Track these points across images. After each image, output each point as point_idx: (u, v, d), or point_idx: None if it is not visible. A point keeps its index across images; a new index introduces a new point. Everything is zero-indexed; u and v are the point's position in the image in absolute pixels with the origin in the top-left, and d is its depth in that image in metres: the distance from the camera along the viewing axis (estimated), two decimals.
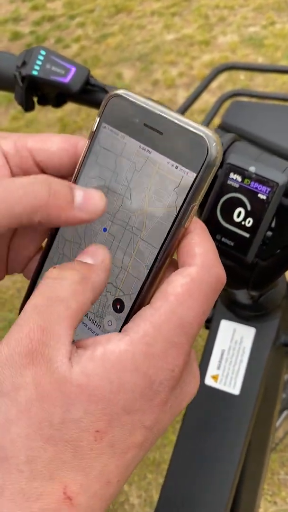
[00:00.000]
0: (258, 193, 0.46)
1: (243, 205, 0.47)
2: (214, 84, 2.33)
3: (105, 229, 0.29)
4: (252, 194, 0.46)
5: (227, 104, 1.05)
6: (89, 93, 0.56)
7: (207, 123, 0.99)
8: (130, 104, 0.27)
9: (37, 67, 0.52)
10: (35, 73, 0.52)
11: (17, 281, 1.97)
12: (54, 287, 0.24)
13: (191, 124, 0.26)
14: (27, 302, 0.24)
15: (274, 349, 0.66)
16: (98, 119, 0.28)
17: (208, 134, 0.25)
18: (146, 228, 0.27)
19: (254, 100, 1.12)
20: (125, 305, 0.28)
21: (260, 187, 0.46)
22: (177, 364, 0.24)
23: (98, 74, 2.92)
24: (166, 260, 0.26)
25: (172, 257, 0.27)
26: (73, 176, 0.29)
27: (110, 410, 0.23)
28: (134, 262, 0.27)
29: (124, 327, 0.25)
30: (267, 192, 0.46)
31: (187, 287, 0.24)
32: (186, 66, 2.78)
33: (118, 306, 0.28)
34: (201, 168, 0.25)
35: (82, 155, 0.29)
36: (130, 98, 0.27)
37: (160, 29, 3.15)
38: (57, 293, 0.24)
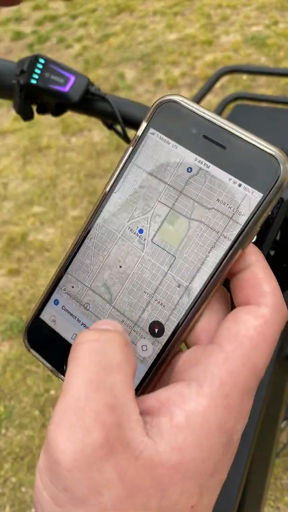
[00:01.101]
0: None
1: None
2: (216, 84, 2.33)
3: (142, 247, 0.26)
4: None
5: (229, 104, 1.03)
6: (89, 102, 0.54)
7: None
8: (187, 112, 0.25)
9: (35, 76, 0.50)
10: (33, 82, 0.51)
11: (19, 283, 1.96)
12: (104, 352, 0.21)
13: (261, 141, 0.24)
14: (71, 370, 0.21)
15: (278, 362, 0.64)
16: (146, 124, 0.26)
17: (279, 154, 0.23)
18: (195, 246, 0.25)
19: (256, 103, 1.10)
20: (165, 329, 0.25)
21: None
22: (248, 410, 0.22)
23: (100, 74, 2.91)
24: (217, 284, 0.24)
25: (226, 295, 0.25)
26: (111, 180, 0.27)
27: (202, 480, 0.20)
28: (179, 282, 0.25)
29: (192, 372, 0.22)
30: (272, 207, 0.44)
31: (261, 330, 0.22)
32: (188, 66, 2.76)
33: (156, 330, 0.26)
34: (271, 189, 0.23)
35: (123, 159, 0.27)
36: (188, 106, 0.25)
37: (162, 28, 3.13)
38: (109, 359, 0.21)
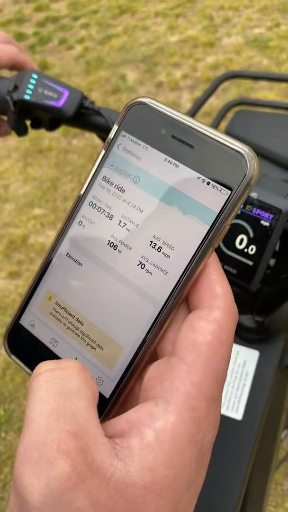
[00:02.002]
0: (260, 219, 0.45)
1: (245, 232, 0.45)
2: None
3: (114, 246, 0.26)
4: (254, 221, 0.45)
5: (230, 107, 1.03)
6: (83, 116, 0.54)
7: None
8: (155, 113, 0.26)
9: (29, 91, 0.50)
10: (27, 97, 0.50)
11: (19, 286, 1.96)
12: (62, 379, 0.21)
13: (228, 139, 0.24)
14: (30, 404, 0.20)
15: (278, 372, 0.64)
16: (117, 126, 0.26)
17: (247, 151, 0.23)
18: (166, 247, 0.25)
19: (258, 108, 1.10)
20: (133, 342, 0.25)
21: (262, 214, 0.44)
22: (217, 418, 0.22)
23: (102, 75, 2.91)
24: (187, 287, 0.24)
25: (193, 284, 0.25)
26: (85, 183, 0.27)
27: (177, 496, 0.20)
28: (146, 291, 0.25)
29: (158, 390, 0.22)
30: (270, 219, 0.44)
31: (217, 334, 0.22)
32: (190, 68, 2.76)
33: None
34: (239, 186, 0.23)
35: (95, 162, 0.27)
36: (156, 107, 0.26)
37: (164, 30, 3.13)
38: (68, 386, 0.20)
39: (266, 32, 2.85)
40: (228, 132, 1.03)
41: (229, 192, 0.24)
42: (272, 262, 0.49)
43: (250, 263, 0.45)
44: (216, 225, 0.24)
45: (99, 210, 0.27)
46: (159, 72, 2.81)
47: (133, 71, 2.89)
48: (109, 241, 0.26)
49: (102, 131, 0.55)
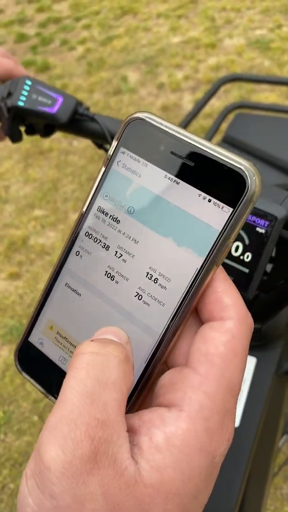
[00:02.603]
0: (256, 227, 0.44)
1: (241, 239, 0.45)
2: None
3: (112, 277, 0.26)
4: (250, 228, 0.44)
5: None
6: (78, 122, 0.53)
7: (211, 135, 0.97)
8: (154, 129, 0.25)
9: (23, 98, 0.50)
10: (21, 104, 0.50)
11: (19, 287, 1.96)
12: (102, 367, 0.21)
13: (228, 155, 0.23)
14: (69, 381, 0.21)
15: (275, 378, 0.64)
16: (116, 143, 0.26)
17: (247, 167, 0.23)
18: (169, 267, 0.24)
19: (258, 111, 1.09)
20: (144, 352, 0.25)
21: (258, 221, 0.44)
22: (231, 430, 0.22)
23: (103, 76, 2.90)
24: (193, 303, 0.24)
25: (197, 302, 0.24)
26: (87, 201, 0.27)
27: (183, 502, 0.21)
28: (155, 302, 0.25)
29: (171, 398, 0.22)
30: (265, 226, 0.44)
31: (230, 345, 0.22)
32: (191, 69, 2.75)
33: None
34: (240, 203, 0.23)
35: (96, 179, 0.26)
36: (154, 123, 0.25)
37: (166, 31, 3.12)
38: (107, 375, 0.21)
39: (268, 33, 2.84)
40: (228, 135, 1.02)
41: (231, 209, 0.23)
42: (269, 267, 0.49)
43: (246, 270, 0.45)
44: (219, 244, 0.23)
45: (95, 240, 0.26)
46: (160, 73, 2.81)
47: (135, 72, 2.89)
48: (106, 271, 0.26)
49: (97, 137, 0.54)
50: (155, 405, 0.23)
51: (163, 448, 0.20)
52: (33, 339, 0.28)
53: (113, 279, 0.26)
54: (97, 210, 0.26)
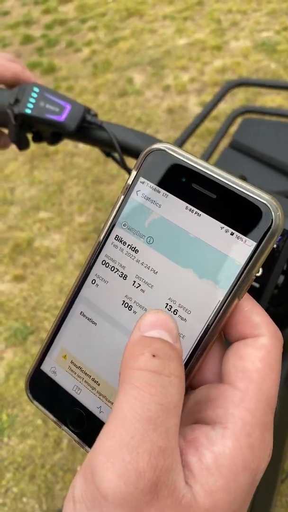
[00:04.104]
0: None
1: None
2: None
3: (129, 307, 0.25)
4: None
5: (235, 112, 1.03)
6: (85, 130, 0.53)
7: (218, 139, 0.96)
8: (175, 160, 0.25)
9: (30, 105, 0.49)
10: (28, 111, 0.50)
11: (24, 289, 1.95)
12: (166, 391, 0.20)
13: (250, 189, 0.23)
14: (129, 401, 0.20)
15: (284, 389, 0.63)
16: (135, 172, 0.26)
17: (271, 201, 0.23)
18: (190, 299, 0.24)
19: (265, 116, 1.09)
20: None
21: None
22: (271, 446, 0.22)
23: (109, 78, 2.90)
24: (215, 334, 0.24)
25: (221, 331, 0.24)
26: (104, 229, 0.26)
27: None
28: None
29: (212, 415, 0.22)
30: (277, 240, 0.43)
31: (266, 361, 0.22)
32: (197, 71, 2.75)
33: None
34: (263, 237, 0.23)
35: (114, 208, 0.26)
36: (175, 154, 0.25)
37: (171, 33, 3.12)
38: (169, 399, 0.20)
39: (274, 36, 2.83)
40: (235, 141, 1.02)
41: (254, 243, 0.23)
42: (280, 280, 0.48)
43: (257, 285, 0.44)
44: (241, 278, 0.23)
45: (112, 269, 0.26)
46: (166, 75, 2.80)
47: (140, 74, 2.89)
48: (124, 301, 0.26)
49: (105, 145, 0.54)
50: (192, 422, 0.23)
51: (213, 469, 0.20)
52: (46, 367, 0.28)
53: (131, 308, 0.25)
54: (115, 239, 0.26)
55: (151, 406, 0.19)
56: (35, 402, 0.28)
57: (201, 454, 0.20)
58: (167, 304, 0.24)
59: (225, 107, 2.38)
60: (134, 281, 0.25)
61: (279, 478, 0.71)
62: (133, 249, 0.26)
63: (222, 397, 0.22)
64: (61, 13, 3.68)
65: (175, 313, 0.24)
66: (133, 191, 0.26)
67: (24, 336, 1.80)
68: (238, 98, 2.46)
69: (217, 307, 0.24)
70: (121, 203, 0.26)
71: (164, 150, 0.25)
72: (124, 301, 0.25)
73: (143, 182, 0.26)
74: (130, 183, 0.26)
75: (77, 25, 3.50)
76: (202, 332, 0.24)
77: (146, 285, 0.25)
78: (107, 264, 0.26)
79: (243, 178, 0.49)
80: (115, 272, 0.26)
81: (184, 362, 0.24)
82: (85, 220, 2.18)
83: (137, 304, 0.25)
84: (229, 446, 0.20)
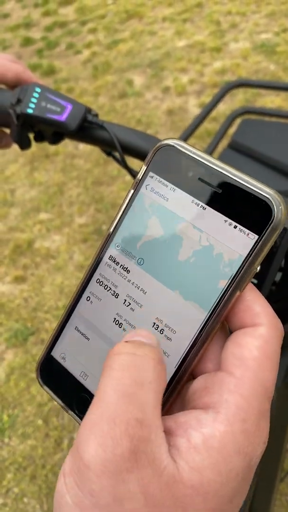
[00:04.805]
0: None
1: None
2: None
3: (120, 324, 0.27)
4: None
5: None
6: (86, 130, 0.53)
7: (217, 140, 0.97)
8: (183, 156, 0.26)
9: (32, 105, 0.50)
10: (30, 111, 0.50)
11: (24, 290, 1.96)
12: (139, 368, 0.21)
13: (254, 183, 0.24)
14: (106, 380, 0.21)
15: (283, 387, 0.63)
16: (145, 168, 0.27)
17: (273, 195, 0.24)
18: (168, 330, 0.25)
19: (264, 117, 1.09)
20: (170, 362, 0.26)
21: None
22: (267, 433, 0.22)
23: (109, 80, 2.91)
24: (217, 325, 0.25)
25: (224, 322, 0.25)
26: (114, 222, 0.28)
27: (220, 505, 0.21)
28: (179, 327, 0.26)
29: (206, 401, 0.23)
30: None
31: (263, 349, 0.23)
32: (197, 73, 2.76)
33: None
34: (265, 231, 0.24)
35: (125, 201, 0.28)
36: (184, 150, 0.26)
37: (171, 35, 3.13)
38: (143, 376, 0.21)
39: (273, 37, 2.84)
40: (234, 141, 1.02)
41: (256, 236, 0.24)
42: (277, 276, 0.48)
43: (255, 281, 0.45)
44: (243, 270, 0.24)
45: (105, 287, 0.28)
46: (166, 77, 2.81)
47: (140, 76, 2.90)
48: (115, 318, 0.27)
49: (106, 145, 0.54)
50: (187, 409, 0.24)
51: (201, 449, 0.20)
52: (56, 353, 0.29)
53: (121, 326, 0.27)
54: (109, 259, 0.28)
55: (126, 381, 0.21)
56: (45, 387, 0.29)
57: (189, 434, 0.21)
58: (154, 323, 0.26)
59: (224, 108, 2.39)
60: (125, 300, 0.27)
61: (279, 477, 0.71)
62: (125, 269, 0.27)
63: (218, 384, 0.23)
64: (61, 15, 3.69)
65: (161, 332, 0.26)
66: (143, 185, 0.27)
67: (24, 337, 1.81)
68: (237, 99, 2.47)
69: (218, 299, 0.24)
70: (131, 197, 0.27)
71: (173, 146, 0.26)
72: (115, 318, 0.27)
73: (152, 177, 0.27)
74: (140, 177, 0.27)
75: (77, 27, 3.51)
76: (203, 324, 0.25)
77: (135, 304, 0.26)
78: (101, 282, 0.28)
79: None
80: (108, 291, 0.27)
81: (184, 355, 0.25)
82: (85, 221, 2.19)
83: (127, 322, 0.27)
84: (219, 429, 0.21)
